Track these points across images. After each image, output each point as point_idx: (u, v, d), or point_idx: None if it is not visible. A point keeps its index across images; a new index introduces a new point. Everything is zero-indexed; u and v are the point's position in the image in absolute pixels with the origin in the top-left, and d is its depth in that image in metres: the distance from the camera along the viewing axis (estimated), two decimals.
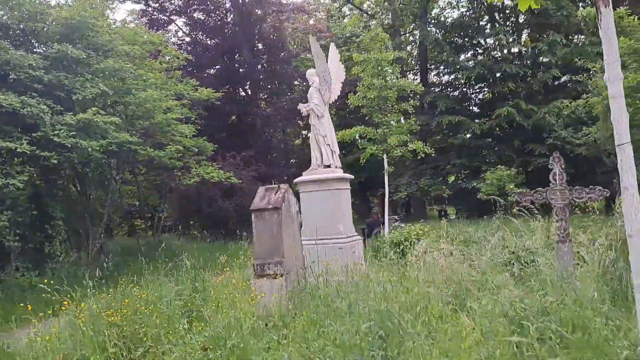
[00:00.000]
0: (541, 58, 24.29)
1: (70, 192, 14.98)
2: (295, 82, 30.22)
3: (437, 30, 27.40)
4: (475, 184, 23.25)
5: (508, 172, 22.27)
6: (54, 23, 12.92)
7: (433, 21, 28.86)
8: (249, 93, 30.73)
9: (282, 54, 30.06)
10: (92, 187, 14.62)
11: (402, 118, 15.30)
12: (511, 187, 22.15)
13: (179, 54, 17.85)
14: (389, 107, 15.14)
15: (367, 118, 16.26)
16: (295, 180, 10.85)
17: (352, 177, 10.88)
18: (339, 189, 10.27)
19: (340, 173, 10.46)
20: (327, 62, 10.26)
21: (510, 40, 23.57)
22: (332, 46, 10.83)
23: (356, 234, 10.84)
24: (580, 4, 25.76)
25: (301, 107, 10.89)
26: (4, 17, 12.20)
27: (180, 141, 15.78)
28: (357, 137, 15.76)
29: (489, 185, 22.44)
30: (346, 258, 9.55)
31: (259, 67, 29.88)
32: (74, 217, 14.21)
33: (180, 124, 15.65)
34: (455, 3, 29.31)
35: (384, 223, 18.85)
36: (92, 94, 12.29)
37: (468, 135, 25.10)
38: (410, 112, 16.03)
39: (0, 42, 10.90)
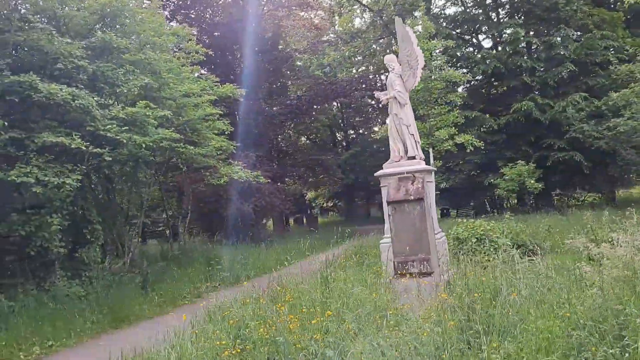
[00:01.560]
0: (553, 52, 24.20)
1: (97, 193, 13.86)
2: (298, 81, 29.55)
3: (447, 24, 27.09)
4: (492, 180, 22.95)
5: (527, 167, 22.08)
6: (88, 9, 11.84)
7: (442, 14, 28.59)
8: (250, 92, 29.79)
9: (285, 51, 29.30)
10: (125, 188, 13.52)
11: (448, 110, 14.73)
12: (532, 182, 21.99)
13: (199, 48, 16.84)
14: (434, 98, 14.58)
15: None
16: (378, 173, 10.10)
17: (436, 169, 10.21)
18: (428, 182, 9.59)
19: (425, 165, 9.79)
20: (413, 45, 9.56)
21: (523, 33, 23.37)
22: (409, 29, 10.10)
23: (440, 229, 10.20)
24: None
25: (379, 95, 10.18)
26: (40, 2, 11.06)
27: (212, 138, 14.85)
28: None
29: (508, 181, 22.19)
30: (441, 254, 8.92)
31: (260, 64, 29.01)
32: (109, 220, 13.10)
33: (216, 120, 14.71)
34: None
35: None
36: (136, 87, 11.30)
37: (483, 130, 24.80)
38: (459, 103, 15.52)
39: (47, 28, 9.80)
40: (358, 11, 31.55)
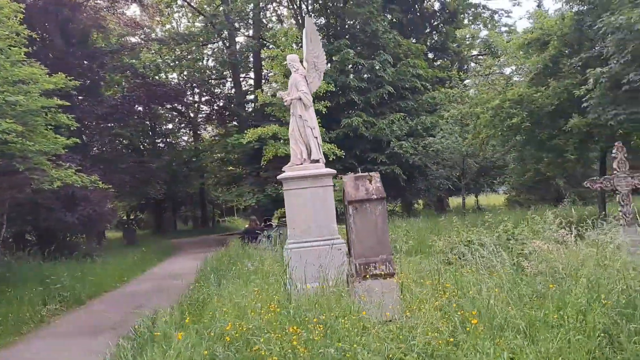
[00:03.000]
0: (374, 74, 26.49)
1: None
2: (116, 78, 26.89)
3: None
4: None
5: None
6: None
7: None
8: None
9: (100, 47, 26.38)
10: None
11: None
12: None
13: (21, 29, 14.06)
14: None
15: (279, 117, 15.45)
16: (280, 176, 9.67)
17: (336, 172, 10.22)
18: (330, 186, 9.55)
19: (328, 168, 9.74)
20: (320, 47, 9.45)
21: (352, 54, 25.12)
22: (313, 27, 9.89)
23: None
24: None
25: (282, 95, 9.83)
26: None
27: (50, 135, 12.52)
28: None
29: (335, 192, 23.46)
30: (342, 260, 8.95)
31: (74, 59, 25.60)
32: None
33: (59, 113, 12.43)
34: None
35: (262, 230, 18.09)
36: None
37: None
38: (323, 112, 15.83)
39: None
40: (190, 14, 30.22)
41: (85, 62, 26.00)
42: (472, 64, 35.75)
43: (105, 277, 14.80)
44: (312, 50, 9.38)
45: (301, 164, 9.58)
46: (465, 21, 40.84)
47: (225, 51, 28.37)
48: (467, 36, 42.12)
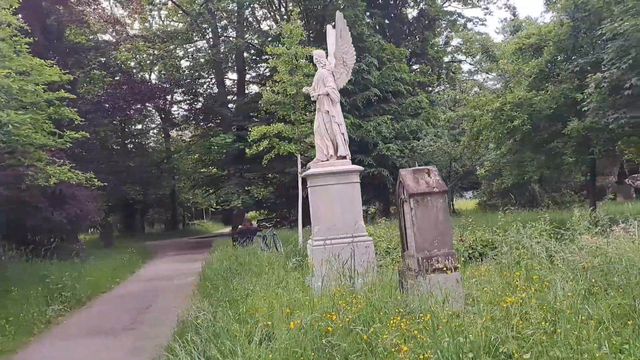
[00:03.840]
0: (361, 76, 26.56)
1: None
2: (98, 74, 26.04)
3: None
4: None
5: None
6: None
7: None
8: None
9: (79, 42, 25.49)
10: None
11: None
12: None
13: (14, 19, 13.34)
14: (304, 104, 14.54)
15: (284, 115, 15.16)
16: (306, 173, 9.51)
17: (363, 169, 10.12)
18: (356, 182, 9.44)
19: (355, 165, 9.64)
20: (350, 43, 9.37)
21: None
22: (344, 22, 9.70)
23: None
24: None
25: (309, 90, 9.68)
26: None
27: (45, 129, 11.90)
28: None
29: None
30: (370, 257, 8.88)
31: (55, 54, 24.63)
32: None
33: (63, 107, 11.86)
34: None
35: (257, 231, 17.80)
36: None
37: None
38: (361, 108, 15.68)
39: None
40: (172, 12, 29.60)
41: (67, 57, 25.15)
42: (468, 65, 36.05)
43: (100, 278, 14.32)
44: (341, 46, 9.29)
45: (327, 160, 9.44)
46: (442, 28, 41.73)
47: (209, 50, 27.89)
48: (447, 42, 43.13)
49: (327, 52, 10.01)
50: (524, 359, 3.80)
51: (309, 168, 9.71)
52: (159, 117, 37.91)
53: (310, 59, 14.75)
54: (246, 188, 27.20)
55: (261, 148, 14.24)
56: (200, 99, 31.54)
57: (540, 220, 9.11)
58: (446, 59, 42.65)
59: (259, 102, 14.71)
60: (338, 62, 9.41)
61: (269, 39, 27.44)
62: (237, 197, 25.32)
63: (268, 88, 14.42)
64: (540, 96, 15.17)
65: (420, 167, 6.49)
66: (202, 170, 36.06)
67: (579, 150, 15.36)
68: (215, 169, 33.64)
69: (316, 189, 9.28)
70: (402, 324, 4.13)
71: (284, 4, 32.18)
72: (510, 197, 32.72)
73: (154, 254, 23.74)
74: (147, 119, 37.77)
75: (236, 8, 28.85)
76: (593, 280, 5.42)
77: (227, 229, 49.08)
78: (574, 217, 7.94)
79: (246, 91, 31.10)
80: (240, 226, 18.77)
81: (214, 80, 30.99)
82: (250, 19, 30.56)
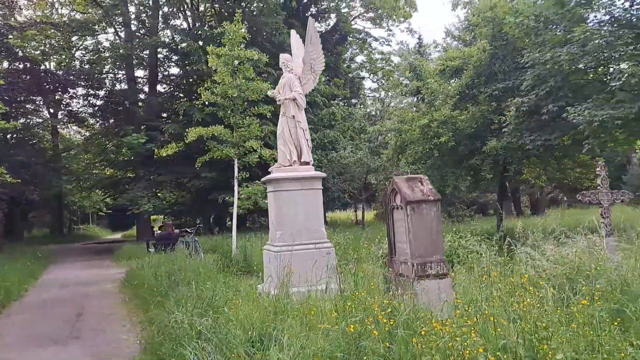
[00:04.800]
0: None
1: None
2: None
3: None
4: (226, 197, 23.35)
5: (260, 186, 23.48)
6: None
7: None
8: None
9: None
10: None
11: (257, 123, 14.43)
12: (264, 201, 23.50)
13: None
14: (243, 108, 14.24)
15: (221, 117, 14.64)
16: (268, 178, 9.29)
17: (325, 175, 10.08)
18: (320, 189, 9.43)
19: (318, 171, 9.61)
20: (320, 49, 9.36)
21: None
22: (315, 29, 9.60)
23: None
24: None
25: (274, 93, 9.49)
26: None
27: None
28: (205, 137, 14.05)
29: (243, 200, 23.07)
30: (332, 263, 8.96)
31: None
32: None
33: None
34: None
35: (179, 237, 17.05)
36: None
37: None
38: (268, 117, 15.43)
39: None
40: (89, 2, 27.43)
41: None
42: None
43: (6, 285, 12.85)
44: (311, 52, 9.26)
45: (290, 165, 9.33)
46: (349, 44, 43.07)
47: (121, 44, 26.25)
48: (352, 58, 44.62)
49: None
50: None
51: (271, 173, 9.53)
52: (46, 111, 34.71)
53: (250, 61, 14.59)
54: (156, 192, 25.93)
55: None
56: (104, 93, 29.47)
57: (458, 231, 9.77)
58: (350, 75, 44.09)
59: (194, 102, 14.13)
60: (306, 68, 9.37)
61: (187, 37, 26.59)
62: (146, 201, 24.00)
63: (206, 88, 13.90)
64: (464, 116, 16.26)
65: (413, 176, 6.66)
66: (94, 172, 33.61)
67: (495, 167, 16.66)
68: (113, 170, 31.60)
69: (280, 194, 9.12)
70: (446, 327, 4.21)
71: (196, 3, 31.35)
72: None
73: (52, 260, 21.86)
74: (33, 113, 34.38)
75: (151, 3, 27.61)
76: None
77: (118, 235, 46.28)
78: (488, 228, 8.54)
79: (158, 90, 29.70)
80: (159, 231, 17.81)
81: (123, 76, 29.20)
82: (167, 15, 29.32)
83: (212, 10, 32.36)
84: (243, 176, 15.06)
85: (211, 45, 14.44)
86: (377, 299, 5.92)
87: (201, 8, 32.18)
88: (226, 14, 29.47)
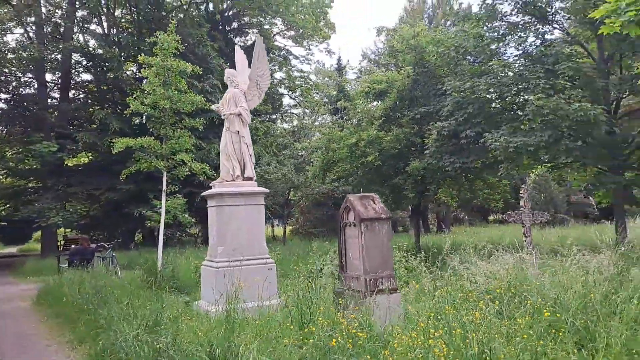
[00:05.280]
0: (206, 98, 26.23)
1: None
2: None
3: None
4: (145, 210, 22.48)
5: (180, 201, 22.88)
6: None
7: None
8: None
9: None
10: None
11: (188, 135, 14.07)
12: (184, 216, 22.93)
13: None
14: (174, 120, 13.92)
15: (150, 128, 14.12)
16: (211, 192, 9.19)
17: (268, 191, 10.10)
18: (263, 204, 9.47)
19: (262, 187, 9.65)
20: (267, 66, 9.46)
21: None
22: (263, 46, 9.65)
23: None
24: None
25: (218, 108, 9.43)
26: None
27: None
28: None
29: (159, 214, 22.38)
30: (272, 278, 9.09)
31: None
32: None
33: None
34: None
35: (95, 252, 16.22)
36: None
37: None
38: (200, 130, 15.07)
39: None
40: None
41: None
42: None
43: None
44: (257, 69, 9.35)
45: (233, 180, 9.32)
46: (274, 61, 43.41)
47: (34, 45, 24.58)
48: (271, 75, 44.91)
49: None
50: None
51: (213, 187, 9.45)
52: None
53: (183, 73, 14.29)
54: (65, 203, 24.37)
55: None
56: (9, 97, 27.38)
57: None
58: (270, 91, 44.34)
59: (123, 112, 13.51)
60: (252, 84, 9.43)
61: (106, 44, 25.51)
62: (55, 213, 22.49)
63: (135, 98, 13.42)
64: (389, 137, 17.03)
65: (366, 194, 6.95)
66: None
67: (416, 187, 17.55)
68: (12, 179, 29.32)
69: (223, 209, 9.06)
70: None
71: (112, 8, 30.19)
72: (323, 225, 35.11)
73: None
74: None
75: (66, 5, 26.22)
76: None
77: (13, 249, 42.62)
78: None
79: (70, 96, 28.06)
80: (74, 245, 16.76)
81: (31, 80, 27.31)
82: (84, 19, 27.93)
83: (130, 17, 31.35)
84: (172, 189, 14.65)
85: (142, 54, 13.99)
86: (337, 314, 6.12)
87: (117, 13, 31.05)
88: (144, 22, 28.70)
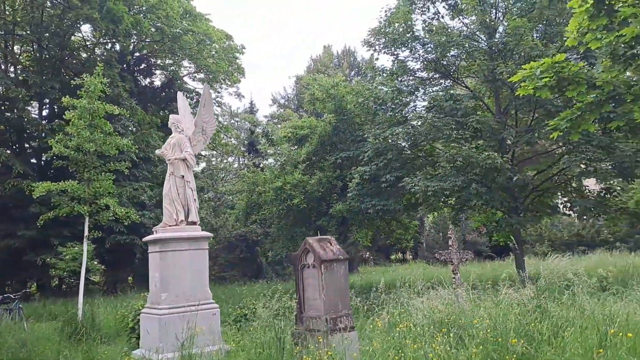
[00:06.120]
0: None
1: None
2: None
3: None
4: (49, 258, 21.02)
5: (89, 247, 21.75)
6: None
7: None
8: None
9: None
10: None
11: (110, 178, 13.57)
12: (94, 263, 21.79)
13: None
14: (96, 163, 13.49)
15: (73, 171, 13.45)
16: (154, 237, 9.05)
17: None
18: (206, 249, 9.48)
19: (205, 232, 9.66)
20: (212, 113, 9.66)
21: None
22: (209, 94, 9.82)
23: None
24: None
25: (162, 152, 9.42)
26: None
27: None
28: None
29: (68, 261, 21.09)
30: (216, 323, 9.15)
31: None
32: None
33: None
34: None
35: (2, 303, 14.95)
36: None
37: None
38: (126, 173, 14.57)
39: None
40: None
41: None
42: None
43: None
44: (203, 115, 9.53)
45: (176, 224, 9.28)
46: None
47: None
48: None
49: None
50: None
51: (155, 232, 9.33)
52: None
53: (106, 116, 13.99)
54: None
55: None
56: None
57: None
58: None
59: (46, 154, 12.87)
60: (197, 130, 9.56)
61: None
62: None
63: (58, 141, 12.89)
64: (313, 180, 17.67)
65: (323, 237, 7.34)
66: None
67: (339, 228, 18.23)
68: None
69: (166, 254, 8.95)
70: None
71: (10, 46, 28.63)
72: (238, 268, 34.78)
73: None
74: None
75: None
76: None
77: None
78: None
79: None
80: None
81: None
82: None
83: (28, 54, 29.87)
84: (94, 235, 14.02)
85: (56, 95, 13.54)
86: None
87: (16, 48, 29.43)
88: (47, 63, 27.54)
